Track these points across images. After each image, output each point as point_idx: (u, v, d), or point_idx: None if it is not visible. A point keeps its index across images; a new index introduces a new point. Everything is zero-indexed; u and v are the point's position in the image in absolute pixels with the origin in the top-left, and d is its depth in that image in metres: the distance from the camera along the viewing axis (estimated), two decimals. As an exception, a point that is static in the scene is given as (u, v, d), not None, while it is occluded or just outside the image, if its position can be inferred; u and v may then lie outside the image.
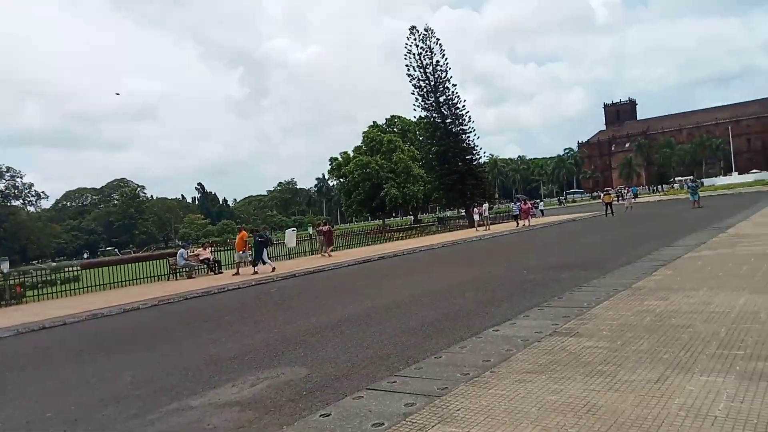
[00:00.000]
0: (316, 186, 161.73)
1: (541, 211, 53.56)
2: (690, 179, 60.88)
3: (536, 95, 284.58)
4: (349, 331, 8.54)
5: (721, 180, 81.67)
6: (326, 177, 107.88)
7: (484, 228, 35.17)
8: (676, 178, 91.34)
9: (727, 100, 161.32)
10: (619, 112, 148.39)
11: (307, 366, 6.68)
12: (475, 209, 37.89)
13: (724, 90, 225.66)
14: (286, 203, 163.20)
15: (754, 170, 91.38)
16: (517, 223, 35.78)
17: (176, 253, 23.06)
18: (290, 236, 28.13)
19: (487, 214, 37.00)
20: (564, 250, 18.44)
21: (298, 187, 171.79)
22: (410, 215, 79.72)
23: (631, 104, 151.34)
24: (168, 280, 22.23)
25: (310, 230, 34.71)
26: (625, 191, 57.07)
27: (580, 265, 13.19)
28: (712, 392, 4.04)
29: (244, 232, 21.70)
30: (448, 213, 69.66)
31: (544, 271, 12.83)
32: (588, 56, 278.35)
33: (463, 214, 48.64)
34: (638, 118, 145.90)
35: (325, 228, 27.00)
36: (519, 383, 4.79)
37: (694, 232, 17.90)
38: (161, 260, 24.31)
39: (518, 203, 39.25)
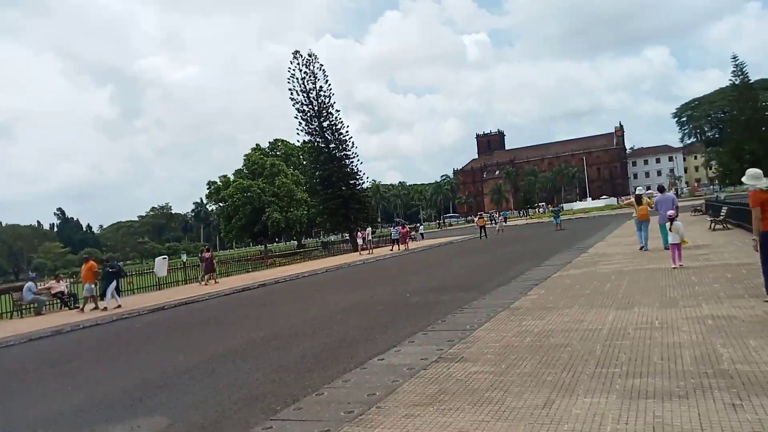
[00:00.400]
0: (193, 211, 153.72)
1: (422, 234, 55.25)
2: (552, 204, 66.36)
3: (416, 124, 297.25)
4: (221, 369, 7.72)
5: (578, 205, 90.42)
6: (204, 201, 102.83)
7: (367, 252, 35.27)
8: (542, 204, 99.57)
9: (579, 134, 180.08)
10: (490, 142, 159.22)
11: (170, 415, 5.82)
12: (358, 233, 37.94)
13: (577, 124, 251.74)
14: (160, 229, 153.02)
15: (604, 196, 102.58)
16: (398, 247, 36.26)
17: (23, 286, 20.14)
18: (160, 265, 25.97)
19: (370, 237, 37.22)
20: (444, 272, 18.82)
21: (173, 212, 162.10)
22: (294, 240, 78.27)
23: (500, 135, 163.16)
24: (11, 318, 19.29)
25: (184, 257, 32.39)
26: (497, 215, 60.81)
27: (460, 287, 13.42)
28: (597, 415, 3.98)
29: (92, 262, 19.30)
30: (332, 237, 69.45)
31: (426, 294, 12.84)
32: (462, 89, 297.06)
33: (347, 238, 48.64)
34: (506, 148, 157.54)
35: (207, 254, 25.40)
36: (406, 418, 4.45)
37: (560, 252, 19.20)
38: (4, 295, 21.12)
39: (397, 227, 39.96)
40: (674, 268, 11.31)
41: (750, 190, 7.05)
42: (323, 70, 45.65)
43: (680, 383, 4.40)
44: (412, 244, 39.84)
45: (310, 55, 45.55)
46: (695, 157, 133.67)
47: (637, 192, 18.01)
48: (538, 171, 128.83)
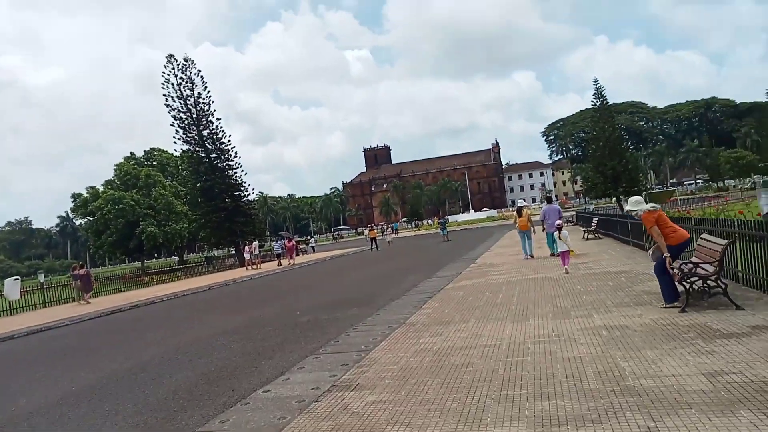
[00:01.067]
0: (57, 225, 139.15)
1: (312, 247, 54.22)
2: (438, 217, 68.51)
3: (301, 136, 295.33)
4: (72, 414, 6.44)
5: (462, 216, 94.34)
6: (70, 215, 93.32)
7: (255, 267, 33.62)
8: (433, 218, 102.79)
9: (460, 150, 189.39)
10: (377, 156, 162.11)
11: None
12: (245, 247, 36.11)
13: (457, 140, 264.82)
14: (18, 246, 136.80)
15: (485, 208, 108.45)
16: (279, 262, 34.84)
17: None
18: (11, 287, 22.68)
19: (257, 252, 35.56)
20: (336, 286, 18.20)
21: (33, 227, 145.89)
22: (175, 256, 73.34)
23: (387, 149, 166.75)
24: None
25: (42, 277, 28.75)
26: (386, 227, 61.51)
27: (353, 302, 12.87)
28: (511, 449, 3.56)
29: None
30: (217, 252, 65.94)
31: (317, 311, 12.11)
32: (346, 104, 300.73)
33: (233, 252, 46.29)
34: (393, 162, 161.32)
35: (82, 271, 22.86)
36: (295, 469, 3.74)
37: (449, 263, 19.40)
38: None
39: (281, 241, 38.56)
40: (565, 273, 12.11)
41: (640, 213, 7.29)
42: (201, 76, 43.24)
43: (590, 405, 4.14)
44: (303, 258, 38.75)
45: (186, 60, 43.01)
46: (562, 173, 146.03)
47: (518, 204, 18.70)
48: (424, 184, 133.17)
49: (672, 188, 73.42)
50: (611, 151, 42.24)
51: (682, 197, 50.83)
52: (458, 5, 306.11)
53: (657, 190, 50.46)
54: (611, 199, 48.47)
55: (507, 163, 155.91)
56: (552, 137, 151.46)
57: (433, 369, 5.77)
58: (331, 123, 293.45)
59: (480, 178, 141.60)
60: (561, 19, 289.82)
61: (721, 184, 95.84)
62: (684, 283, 6.77)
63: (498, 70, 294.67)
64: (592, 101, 43.83)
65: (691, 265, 6.78)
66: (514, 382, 4.93)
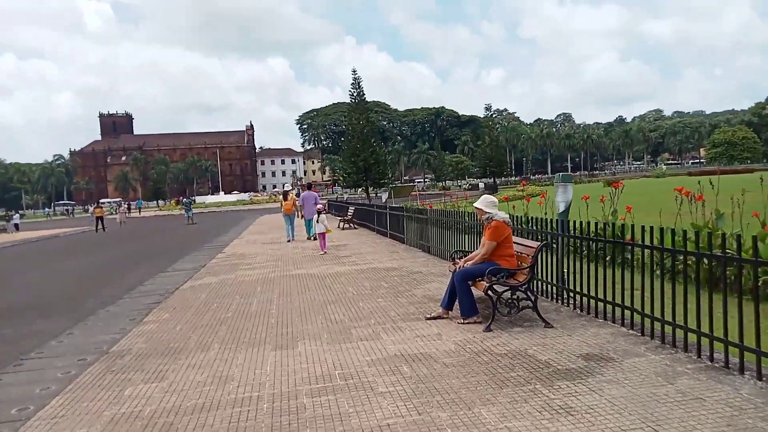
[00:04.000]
0: None
1: (16, 225, 43.54)
2: (183, 196, 62.45)
3: (16, 91, 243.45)
4: None
5: (211, 198, 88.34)
6: None
7: None
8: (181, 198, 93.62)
9: (213, 128, 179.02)
10: (116, 124, 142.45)
11: None
12: None
13: (209, 118, 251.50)
14: None
15: (236, 191, 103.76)
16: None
17: None
18: None
19: None
20: (26, 280, 13.34)
21: None
22: None
23: (128, 118, 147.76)
24: None
25: None
26: (121, 205, 53.26)
27: (43, 307, 9.02)
28: None
29: None
30: None
31: (-27, 326, 7.98)
32: (79, 61, 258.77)
33: None
34: (135, 133, 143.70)
35: None
36: None
37: (192, 252, 16.24)
38: None
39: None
40: (323, 254, 12.93)
41: (493, 218, 5.78)
42: None
43: None
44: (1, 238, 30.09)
45: None
46: (312, 162, 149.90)
47: (284, 189, 20.06)
48: (170, 161, 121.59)
49: (412, 184, 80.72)
50: (364, 143, 43.33)
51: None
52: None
53: (400, 185, 54.12)
54: (359, 190, 50.13)
55: (261, 147, 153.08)
56: (306, 126, 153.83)
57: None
58: (58, 80, 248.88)
59: (232, 160, 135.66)
60: (316, 14, 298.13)
61: (443, 183, 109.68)
62: (490, 293, 5.44)
63: (254, 52, 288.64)
64: (350, 91, 44.34)
65: (503, 274, 5.50)
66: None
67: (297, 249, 14.93)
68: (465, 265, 5.88)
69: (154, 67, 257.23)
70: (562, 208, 6.66)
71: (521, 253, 5.82)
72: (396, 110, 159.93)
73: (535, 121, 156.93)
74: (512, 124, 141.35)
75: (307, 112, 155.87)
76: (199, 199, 77.93)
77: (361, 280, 9.04)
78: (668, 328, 4.61)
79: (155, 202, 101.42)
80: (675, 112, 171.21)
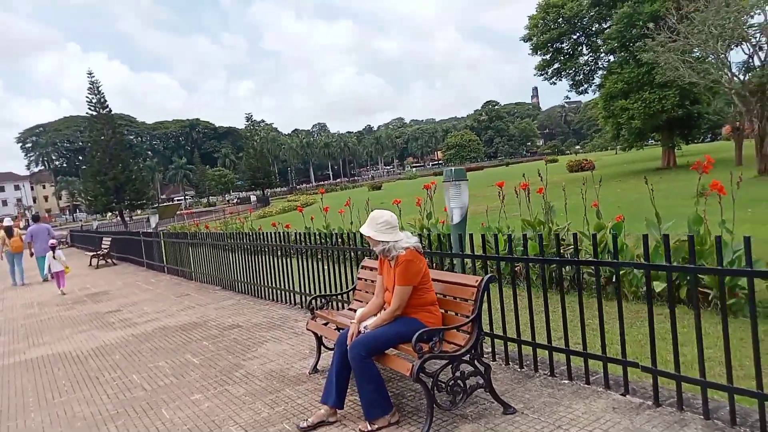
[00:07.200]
0: None
1: None
2: None
3: None
4: None
5: None
6: None
7: None
8: None
9: None
10: None
11: None
12: None
13: None
14: None
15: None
16: None
17: None
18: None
19: None
20: None
21: None
22: None
23: None
24: None
25: None
26: None
27: None
28: None
29: None
30: None
31: None
32: None
33: None
34: None
35: None
36: None
37: None
38: None
39: None
40: (63, 294, 11.61)
41: (400, 249, 3.45)
42: None
43: None
44: None
45: None
46: (44, 186, 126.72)
47: (5, 223, 15.74)
48: None
49: (178, 202, 72.83)
50: (113, 158, 36.62)
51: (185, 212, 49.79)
52: None
53: (163, 205, 47.73)
54: (113, 214, 42.51)
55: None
56: (30, 145, 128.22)
57: None
58: None
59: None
60: (22, 14, 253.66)
61: (207, 199, 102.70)
62: (422, 375, 3.21)
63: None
64: (88, 98, 36.92)
65: (436, 338, 3.29)
66: None
67: (30, 301, 10.55)
68: (361, 328, 3.54)
69: None
70: (457, 218, 4.73)
71: (446, 297, 3.72)
72: (144, 123, 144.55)
73: (293, 131, 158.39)
74: (272, 134, 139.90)
75: (30, 128, 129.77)
76: None
77: (151, 355, 5.88)
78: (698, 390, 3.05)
79: None
80: (412, 120, 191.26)
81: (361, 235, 3.70)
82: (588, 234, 6.82)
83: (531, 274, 5.23)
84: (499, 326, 4.25)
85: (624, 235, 6.28)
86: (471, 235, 4.22)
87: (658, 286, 5.22)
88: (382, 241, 3.53)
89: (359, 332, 3.52)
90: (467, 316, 3.42)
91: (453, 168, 4.87)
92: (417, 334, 3.22)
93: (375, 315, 3.64)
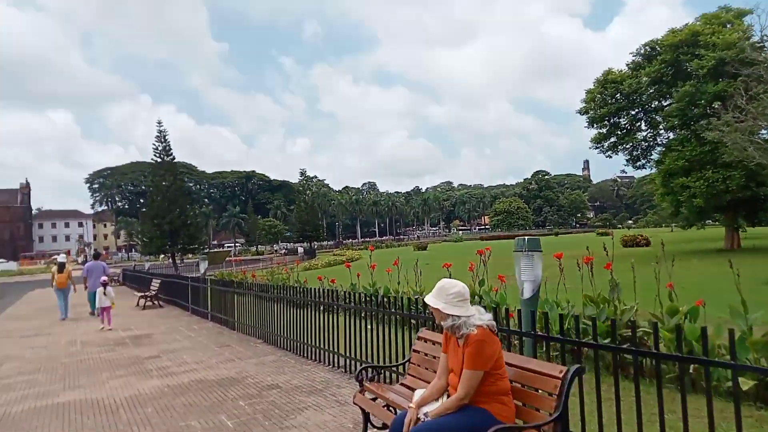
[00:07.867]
0: None
1: None
2: None
3: None
4: None
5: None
6: None
7: None
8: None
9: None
10: None
11: None
12: None
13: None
14: None
15: (2, 259, 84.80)
16: None
17: None
18: None
19: None
20: None
21: None
22: None
23: None
24: None
25: None
26: None
27: None
28: None
29: None
30: None
31: None
32: None
33: None
34: None
35: None
36: None
37: None
38: None
39: None
40: (107, 329, 12.09)
41: (476, 324, 3.08)
42: None
43: None
44: None
45: None
46: (105, 225, 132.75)
47: (59, 259, 16.04)
48: None
49: (228, 249, 74.45)
50: (171, 203, 37.95)
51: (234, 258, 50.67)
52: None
53: (213, 251, 48.83)
54: (165, 257, 43.63)
55: (38, 209, 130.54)
56: (97, 186, 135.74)
57: None
58: None
59: (1, 222, 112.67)
60: (105, 68, 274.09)
61: (256, 248, 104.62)
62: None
63: (27, 102, 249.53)
64: (155, 145, 38.87)
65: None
66: None
67: (74, 338, 10.57)
68: (420, 415, 3.13)
69: None
70: (528, 293, 4.28)
71: (522, 386, 3.29)
72: (203, 172, 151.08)
73: (344, 188, 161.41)
74: (323, 190, 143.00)
75: (99, 171, 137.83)
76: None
77: (184, 412, 5.58)
78: None
79: None
80: (460, 184, 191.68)
81: (425, 305, 3.37)
82: (661, 317, 6.28)
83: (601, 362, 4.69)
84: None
85: (703, 320, 5.68)
86: (546, 314, 3.77)
87: (746, 383, 4.62)
88: (453, 315, 3.15)
89: (418, 419, 3.11)
90: (550, 413, 2.97)
91: (525, 238, 4.42)
92: (492, 430, 2.78)
93: (437, 400, 3.22)
